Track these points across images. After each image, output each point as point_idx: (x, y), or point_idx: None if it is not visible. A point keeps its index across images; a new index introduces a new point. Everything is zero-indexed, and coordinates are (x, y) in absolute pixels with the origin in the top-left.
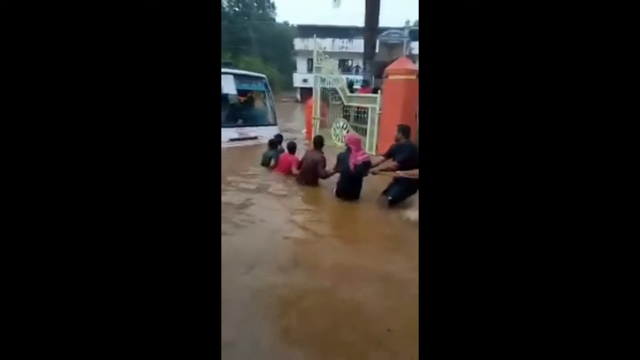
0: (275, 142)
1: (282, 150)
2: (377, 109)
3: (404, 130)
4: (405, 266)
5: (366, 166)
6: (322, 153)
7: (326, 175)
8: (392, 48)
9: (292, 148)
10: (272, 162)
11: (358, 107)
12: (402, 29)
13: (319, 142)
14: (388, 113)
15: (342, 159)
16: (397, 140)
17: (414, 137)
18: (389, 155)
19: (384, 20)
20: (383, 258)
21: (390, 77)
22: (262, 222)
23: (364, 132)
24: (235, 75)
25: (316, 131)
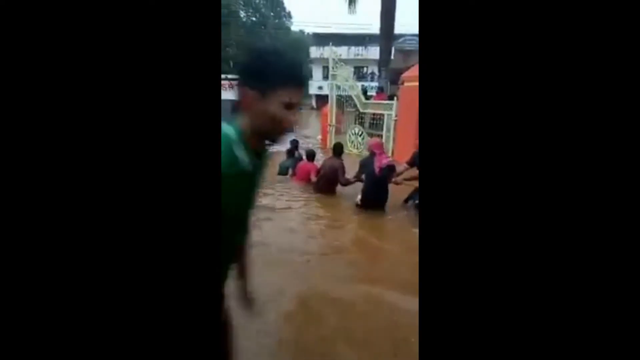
0: (292, 150)
1: (300, 158)
2: (393, 115)
3: None
4: None
5: (391, 170)
6: (342, 160)
7: (347, 183)
8: (408, 55)
9: (310, 155)
10: (290, 171)
11: (373, 114)
12: (417, 35)
13: (338, 149)
14: (404, 119)
15: (366, 165)
16: (416, 147)
17: None
18: (413, 163)
19: (400, 27)
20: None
21: (405, 84)
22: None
23: (379, 138)
24: None
25: (332, 138)
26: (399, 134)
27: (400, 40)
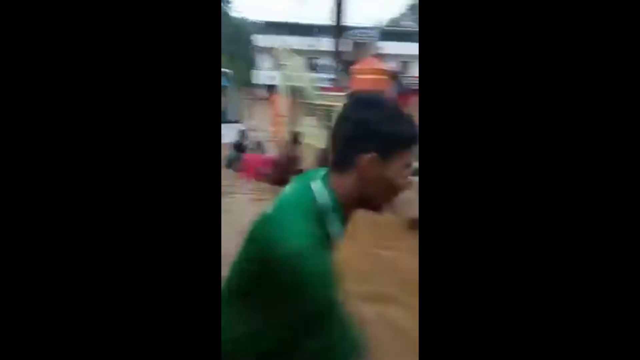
0: (240, 143)
1: (243, 150)
2: None
3: None
4: None
5: None
6: (300, 150)
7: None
8: (361, 47)
9: (259, 147)
10: (235, 164)
11: (327, 106)
12: (370, 28)
13: (297, 138)
14: None
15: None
16: None
17: None
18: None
19: (352, 19)
20: None
21: (358, 76)
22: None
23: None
24: None
25: (283, 130)
26: None
27: (353, 32)
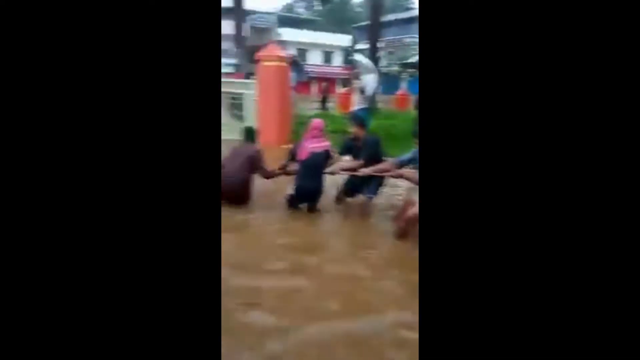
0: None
1: None
2: (253, 94)
3: (359, 120)
4: None
5: (326, 157)
6: (257, 146)
7: (270, 174)
8: (262, 32)
9: None
10: None
11: (234, 93)
12: (268, 13)
13: (251, 134)
14: (264, 99)
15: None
16: (354, 133)
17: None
18: (347, 151)
19: (250, 3)
20: None
21: (262, 63)
22: None
23: (241, 118)
24: None
25: None
26: (260, 113)
27: (253, 16)
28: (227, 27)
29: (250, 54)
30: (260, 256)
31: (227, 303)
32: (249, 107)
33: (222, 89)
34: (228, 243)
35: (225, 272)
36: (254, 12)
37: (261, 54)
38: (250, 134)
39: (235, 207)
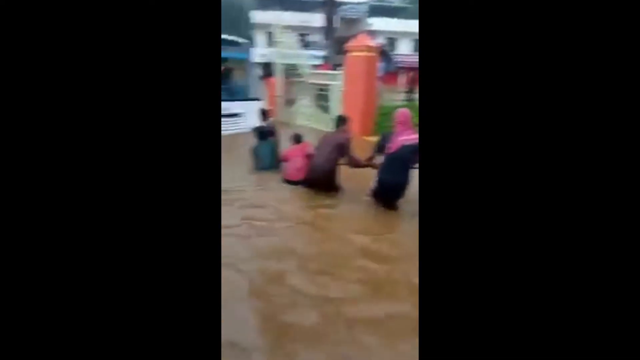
0: (266, 132)
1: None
2: (340, 85)
3: None
4: None
5: (417, 150)
6: (347, 133)
7: (358, 164)
8: (352, 23)
9: (298, 138)
10: (261, 161)
11: (321, 84)
12: (360, 3)
13: (341, 121)
14: (350, 90)
15: (385, 142)
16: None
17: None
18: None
19: None
20: None
21: (351, 54)
22: None
23: (326, 109)
24: None
25: (281, 109)
26: (346, 104)
27: (344, 7)
28: (318, 19)
29: (339, 45)
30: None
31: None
32: (335, 98)
33: (310, 81)
34: (301, 237)
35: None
36: (345, 3)
37: (350, 44)
38: (341, 121)
39: (323, 195)
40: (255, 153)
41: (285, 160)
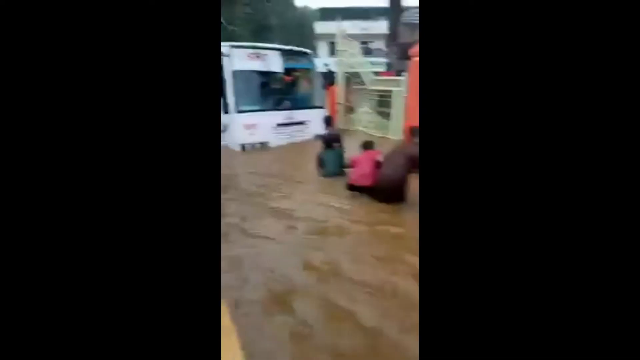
0: (330, 139)
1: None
2: (403, 91)
3: None
4: None
5: None
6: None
7: None
8: (415, 28)
9: (369, 145)
10: (327, 168)
11: (382, 91)
12: None
13: (415, 134)
14: (414, 96)
15: None
16: None
17: None
18: None
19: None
20: None
21: (413, 59)
22: None
23: (387, 116)
24: (281, 50)
25: (341, 117)
26: (409, 110)
27: (407, 13)
28: (380, 27)
29: (403, 51)
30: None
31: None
32: (397, 104)
33: (373, 87)
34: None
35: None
36: (408, 9)
37: (413, 49)
38: (415, 133)
39: (391, 205)
40: (322, 160)
41: (353, 166)
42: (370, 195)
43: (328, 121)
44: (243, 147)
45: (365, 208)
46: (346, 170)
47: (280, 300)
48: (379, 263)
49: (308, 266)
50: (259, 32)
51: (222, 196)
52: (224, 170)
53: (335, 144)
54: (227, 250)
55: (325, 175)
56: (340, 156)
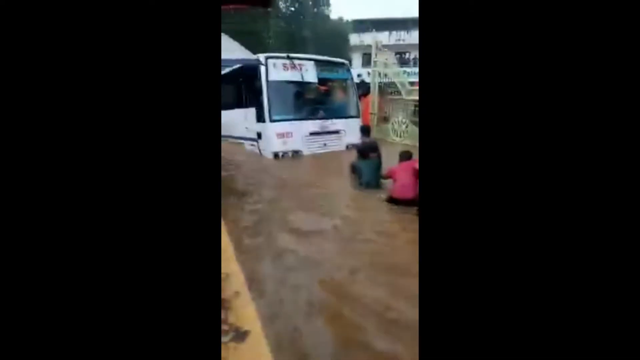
0: (365, 149)
1: (375, 158)
2: None
3: None
4: None
5: None
6: None
7: None
8: None
9: (407, 155)
10: (364, 178)
11: (417, 101)
12: None
13: None
14: None
15: None
16: None
17: None
18: None
19: None
20: None
21: None
22: None
23: None
24: (316, 61)
25: (375, 126)
26: None
27: None
28: (415, 36)
29: None
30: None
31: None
32: None
33: (407, 97)
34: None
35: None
36: None
37: None
38: None
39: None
40: (357, 169)
41: (391, 177)
42: (412, 207)
43: (365, 130)
44: (276, 155)
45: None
46: (383, 181)
47: None
48: None
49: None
50: (293, 44)
51: (244, 203)
52: (251, 178)
53: (372, 154)
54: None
55: (361, 186)
56: (377, 167)
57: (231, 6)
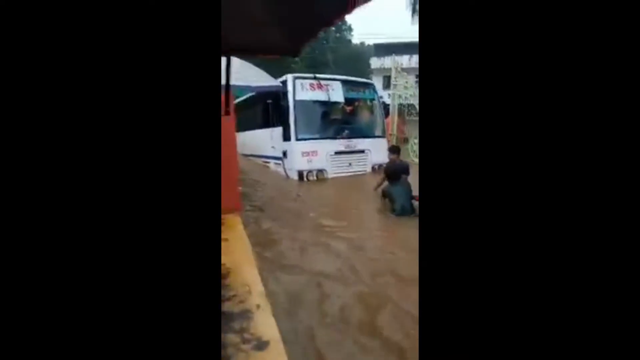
0: (396, 171)
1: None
2: None
3: None
4: None
5: None
6: None
7: None
8: None
9: (395, 150)
10: (400, 203)
11: None
12: None
13: None
14: None
15: None
16: None
17: None
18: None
19: None
20: None
21: None
22: None
23: None
24: (343, 81)
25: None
26: None
27: None
28: None
29: None
30: None
31: None
32: None
33: None
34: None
35: None
36: None
37: None
38: None
39: None
40: (389, 195)
41: None
42: None
43: (394, 151)
44: (300, 174)
45: None
46: (415, 205)
47: None
48: None
49: None
50: (316, 68)
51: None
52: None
53: (403, 176)
54: None
55: (395, 213)
56: (410, 189)
57: (261, 55)
